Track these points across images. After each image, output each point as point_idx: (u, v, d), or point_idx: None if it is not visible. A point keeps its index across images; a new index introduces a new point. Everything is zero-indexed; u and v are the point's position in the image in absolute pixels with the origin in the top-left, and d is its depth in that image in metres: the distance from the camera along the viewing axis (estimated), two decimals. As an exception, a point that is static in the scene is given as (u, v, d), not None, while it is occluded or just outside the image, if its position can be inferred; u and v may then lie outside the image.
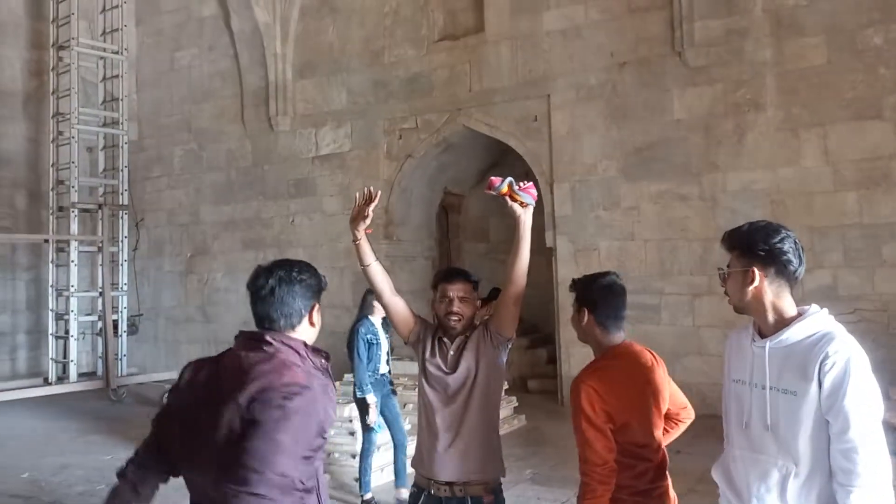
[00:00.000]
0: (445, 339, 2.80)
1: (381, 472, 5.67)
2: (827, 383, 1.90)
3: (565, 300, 8.32)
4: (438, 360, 2.78)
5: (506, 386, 7.75)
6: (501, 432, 7.32)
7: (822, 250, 7.15)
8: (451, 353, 2.78)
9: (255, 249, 10.63)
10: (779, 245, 2.09)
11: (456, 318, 2.75)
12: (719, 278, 2.24)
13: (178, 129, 11.29)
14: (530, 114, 8.72)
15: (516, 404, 7.64)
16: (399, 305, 2.83)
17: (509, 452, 6.50)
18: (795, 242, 2.11)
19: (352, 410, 5.87)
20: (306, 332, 1.97)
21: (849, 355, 1.92)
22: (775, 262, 2.08)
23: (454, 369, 2.77)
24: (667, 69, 7.93)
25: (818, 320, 2.05)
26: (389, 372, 5.58)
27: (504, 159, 10.08)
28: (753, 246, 2.11)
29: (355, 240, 2.73)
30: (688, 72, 7.81)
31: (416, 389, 2.94)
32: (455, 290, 2.78)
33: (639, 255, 8.03)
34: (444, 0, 9.52)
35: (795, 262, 2.10)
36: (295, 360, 1.84)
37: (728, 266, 2.19)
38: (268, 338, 1.87)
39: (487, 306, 10.52)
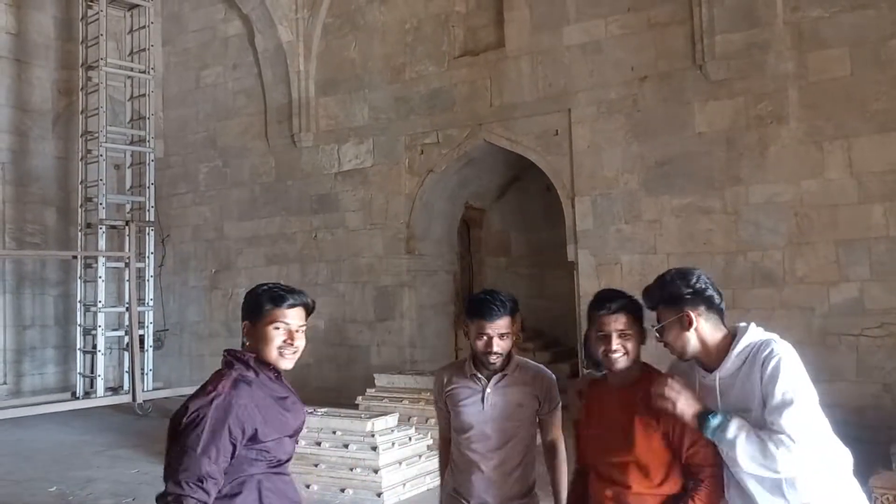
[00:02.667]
0: (480, 377, 2.71)
1: (403, 488, 5.68)
2: (765, 378, 2.07)
3: (586, 314, 8.29)
4: (472, 398, 2.71)
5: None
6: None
7: (848, 263, 7.07)
8: (489, 391, 2.69)
9: (279, 265, 10.73)
10: (698, 284, 2.23)
11: (496, 357, 2.64)
12: (655, 338, 2.34)
13: (204, 147, 11.46)
14: (551, 128, 8.74)
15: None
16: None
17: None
18: (708, 277, 2.28)
19: (374, 425, 5.90)
20: (258, 347, 2.31)
21: (782, 352, 2.10)
22: (702, 300, 2.21)
23: (496, 409, 2.69)
24: (688, 83, 7.91)
25: (751, 334, 2.19)
26: None
27: (525, 174, 10.11)
28: (676, 291, 2.25)
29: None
30: (709, 85, 7.79)
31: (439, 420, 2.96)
32: (495, 328, 2.61)
33: (661, 269, 7.88)
34: (464, 16, 9.60)
35: (717, 294, 2.24)
36: (235, 371, 2.25)
37: (658, 322, 2.30)
38: (224, 352, 2.37)
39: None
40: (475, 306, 2.66)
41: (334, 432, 6.01)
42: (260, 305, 2.25)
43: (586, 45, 8.51)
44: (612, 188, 8.31)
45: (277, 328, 2.21)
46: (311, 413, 6.32)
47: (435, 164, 9.66)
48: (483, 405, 2.69)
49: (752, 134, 7.58)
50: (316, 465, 5.87)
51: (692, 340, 2.21)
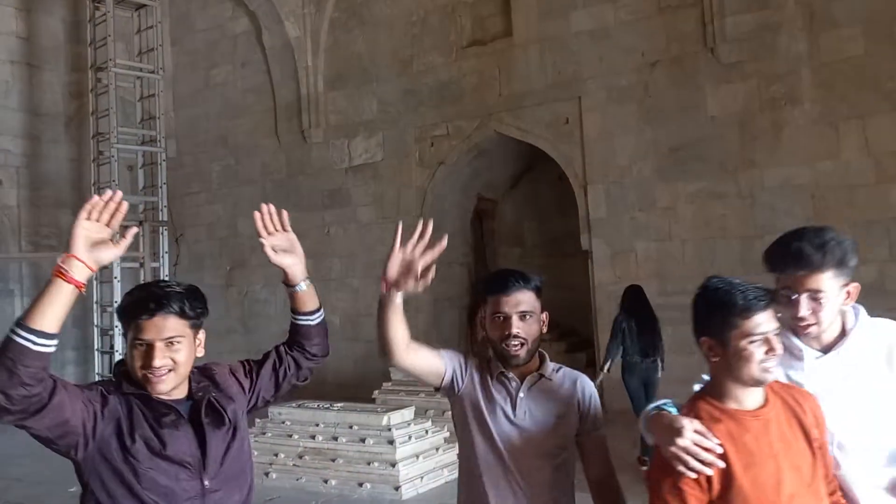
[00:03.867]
0: (511, 376, 2.06)
1: (421, 481, 5.67)
2: None
3: (602, 304, 8.24)
4: (502, 404, 2.05)
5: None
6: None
7: (867, 245, 6.95)
8: (522, 395, 2.05)
9: (292, 261, 10.73)
10: (852, 251, 1.86)
11: (518, 344, 2.01)
12: (801, 306, 1.82)
13: (215, 145, 11.48)
14: (561, 117, 8.68)
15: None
16: (420, 358, 2.09)
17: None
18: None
19: (390, 419, 5.89)
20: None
21: None
22: (852, 270, 1.87)
23: (532, 420, 2.04)
24: (699, 66, 7.82)
25: (863, 316, 1.93)
26: None
27: (537, 163, 10.05)
28: (844, 256, 1.82)
29: (386, 299, 1.99)
30: (721, 68, 7.69)
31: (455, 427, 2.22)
32: (513, 303, 2.02)
33: (677, 256, 7.92)
34: (471, 6, 9.53)
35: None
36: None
37: (817, 289, 1.81)
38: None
39: None
40: (488, 280, 2.19)
41: (351, 427, 6.01)
42: (122, 318, 1.82)
43: (595, 32, 8.42)
44: (625, 176, 8.24)
45: (138, 346, 1.75)
46: (327, 408, 6.34)
47: (445, 156, 9.62)
48: (514, 412, 2.04)
49: (765, 116, 7.48)
50: (333, 461, 5.87)
51: (834, 316, 1.85)
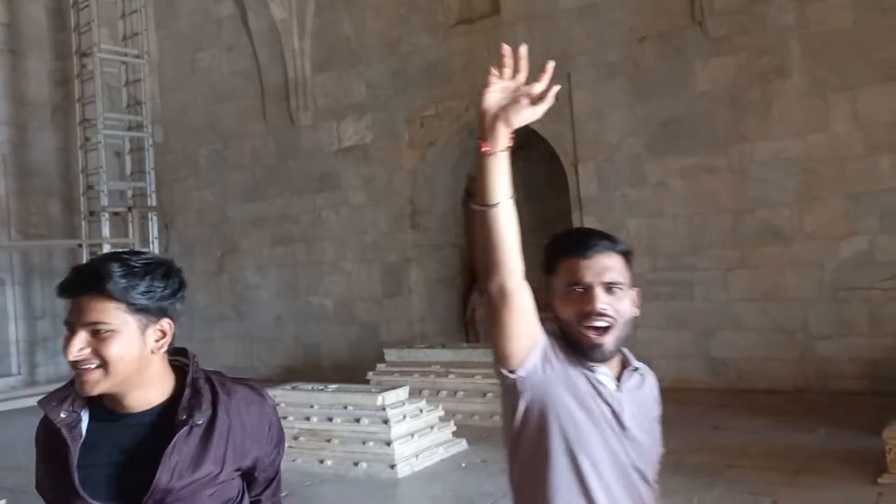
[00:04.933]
0: (603, 370, 1.53)
1: (416, 459, 5.69)
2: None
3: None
4: (599, 409, 1.50)
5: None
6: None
7: (857, 216, 6.98)
8: (623, 395, 1.54)
9: (284, 245, 10.72)
10: None
11: (604, 327, 1.49)
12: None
13: (203, 130, 11.39)
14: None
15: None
16: (527, 302, 1.46)
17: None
18: None
19: (384, 399, 5.89)
20: None
21: None
22: None
23: (636, 427, 1.54)
24: (688, 41, 7.78)
25: None
26: None
27: (527, 142, 10.00)
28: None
29: (489, 150, 1.41)
30: (710, 42, 7.66)
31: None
32: (597, 269, 1.51)
33: (669, 232, 7.92)
34: (459, -15, 9.45)
35: None
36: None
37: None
38: None
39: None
40: (563, 240, 1.62)
41: (346, 407, 6.01)
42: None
43: (583, 8, 8.37)
44: (616, 152, 8.22)
45: (67, 330, 1.41)
46: (321, 390, 6.35)
47: (435, 137, 9.58)
48: (620, 421, 1.52)
49: (755, 90, 7.47)
50: (329, 441, 5.88)
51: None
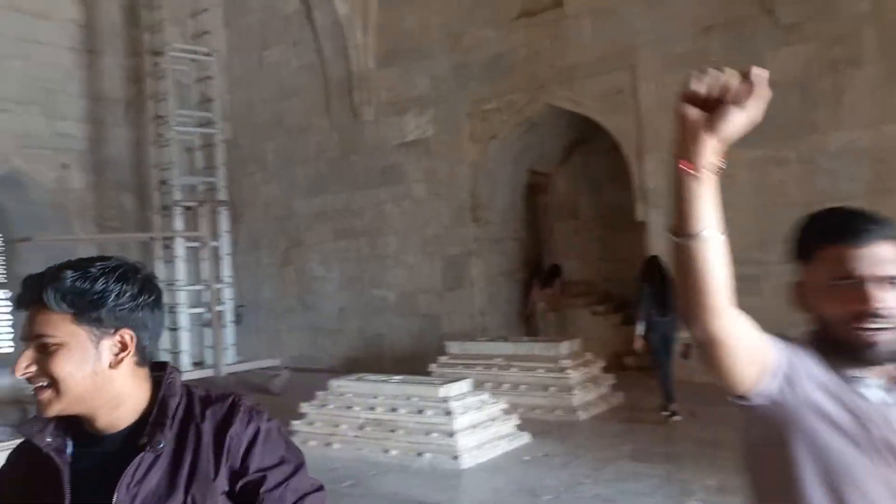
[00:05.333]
0: (871, 381, 1.27)
1: (479, 450, 5.74)
2: None
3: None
4: (872, 428, 1.22)
5: (602, 363, 7.70)
6: (599, 410, 7.28)
7: (937, 210, 6.72)
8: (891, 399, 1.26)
9: (347, 239, 10.90)
10: None
11: (882, 328, 1.23)
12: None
13: (270, 126, 11.65)
14: (615, 87, 8.55)
15: (614, 382, 7.57)
16: (742, 334, 1.22)
17: (608, 429, 6.48)
18: None
19: (447, 391, 5.97)
20: None
21: None
22: None
23: None
24: (757, 30, 7.60)
25: None
26: None
27: (590, 135, 9.94)
28: None
29: (693, 170, 1.16)
30: (779, 31, 7.46)
31: None
32: (871, 260, 1.24)
33: (736, 225, 7.72)
34: (521, -23, 9.42)
35: None
36: None
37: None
38: None
39: (549, 288, 10.47)
40: (825, 223, 1.33)
41: (409, 398, 6.12)
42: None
43: (648, -1, 8.26)
44: (681, 144, 8.08)
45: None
46: (385, 381, 6.47)
47: (497, 130, 9.59)
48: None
49: (826, 80, 7.25)
50: (393, 431, 5.99)
51: None
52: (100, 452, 1.28)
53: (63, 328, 1.22)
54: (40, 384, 1.22)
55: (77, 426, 1.29)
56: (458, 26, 9.81)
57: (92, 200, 10.94)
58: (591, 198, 11.03)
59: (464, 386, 6.21)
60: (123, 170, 11.25)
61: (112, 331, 1.25)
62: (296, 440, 6.36)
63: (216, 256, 10.07)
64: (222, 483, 1.27)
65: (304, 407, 6.61)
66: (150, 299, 1.30)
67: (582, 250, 10.87)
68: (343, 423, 6.31)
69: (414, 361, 8.93)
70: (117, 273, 1.26)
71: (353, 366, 10.02)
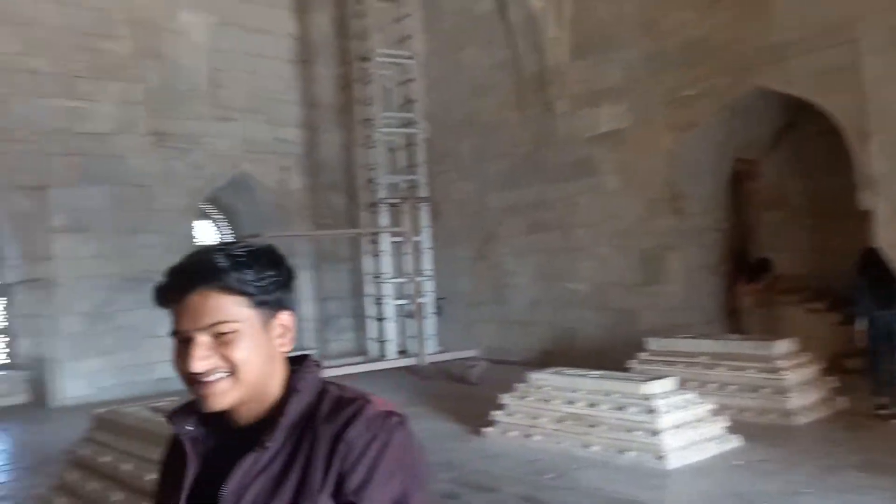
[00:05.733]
0: None
1: (686, 451, 5.56)
2: None
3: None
4: None
5: (822, 365, 7.16)
6: (819, 415, 6.79)
7: None
8: None
9: (540, 233, 10.97)
10: None
11: None
12: None
13: (464, 124, 11.98)
14: (833, 64, 7.85)
15: (836, 385, 7.01)
16: None
17: (831, 436, 6.02)
18: None
19: (650, 388, 5.85)
20: None
21: None
22: None
23: None
24: None
25: None
26: None
27: (801, 118, 9.23)
28: None
29: None
30: None
31: None
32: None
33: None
34: (722, -45, 8.93)
35: None
36: None
37: None
38: None
39: (757, 282, 9.85)
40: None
41: (609, 394, 6.06)
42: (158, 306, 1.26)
43: (873, -35, 7.49)
44: (914, 125, 7.27)
45: (177, 342, 1.22)
46: (584, 375, 6.45)
47: (697, 118, 9.18)
48: None
49: None
50: (593, 426, 5.96)
51: None
52: (228, 446, 1.22)
53: (240, 312, 1.18)
54: (218, 376, 1.17)
55: (216, 418, 1.24)
56: (654, 12, 9.49)
57: (308, 200, 11.92)
58: (802, 185, 10.22)
59: (667, 384, 6.04)
60: (334, 171, 12.13)
61: (273, 313, 1.23)
62: (496, 430, 6.56)
63: (418, 250, 10.56)
64: (326, 499, 1.14)
65: (504, 398, 6.76)
66: (294, 281, 1.29)
67: (791, 241, 10.12)
68: (542, 415, 6.38)
69: (606, 356, 8.81)
70: (268, 255, 1.24)
71: (544, 359, 10.08)
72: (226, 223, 12.78)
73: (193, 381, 1.18)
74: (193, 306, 1.18)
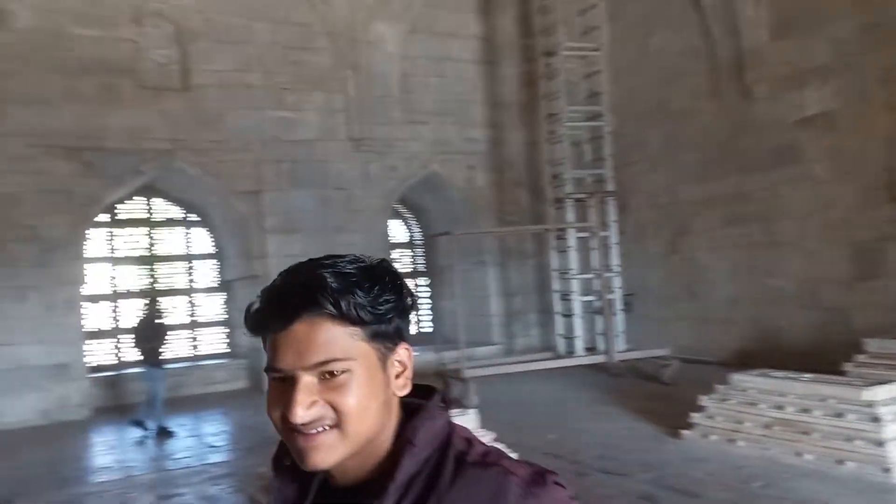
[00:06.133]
0: None
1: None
2: None
3: None
4: None
5: None
6: None
7: None
8: None
9: (737, 225, 10.37)
10: None
11: None
12: None
13: (653, 113, 11.61)
14: None
15: None
16: None
17: None
18: None
19: (874, 394, 5.35)
20: None
21: None
22: None
23: None
24: None
25: None
26: None
27: None
28: None
29: None
30: None
31: None
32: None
33: None
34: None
35: None
36: None
37: None
38: None
39: None
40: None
41: (824, 400, 5.62)
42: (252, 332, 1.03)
43: None
44: None
45: (273, 380, 0.99)
46: (794, 378, 6.03)
47: (924, 94, 8.24)
48: None
49: None
50: (806, 433, 5.56)
51: None
52: None
53: (354, 347, 0.95)
54: (321, 427, 0.94)
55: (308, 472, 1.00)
56: (869, -22, 8.64)
57: (494, 197, 12.13)
58: None
59: (893, 389, 5.50)
60: (519, 168, 12.25)
61: (392, 347, 0.99)
62: (695, 433, 6.31)
63: (605, 246, 10.38)
64: None
65: (704, 400, 6.48)
66: (415, 307, 1.04)
67: None
68: (747, 420, 6.05)
69: (815, 358, 8.14)
70: (391, 272, 1.01)
71: (744, 359, 9.53)
72: (415, 221, 13.32)
73: (292, 431, 0.94)
74: (298, 338, 0.94)
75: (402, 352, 1.01)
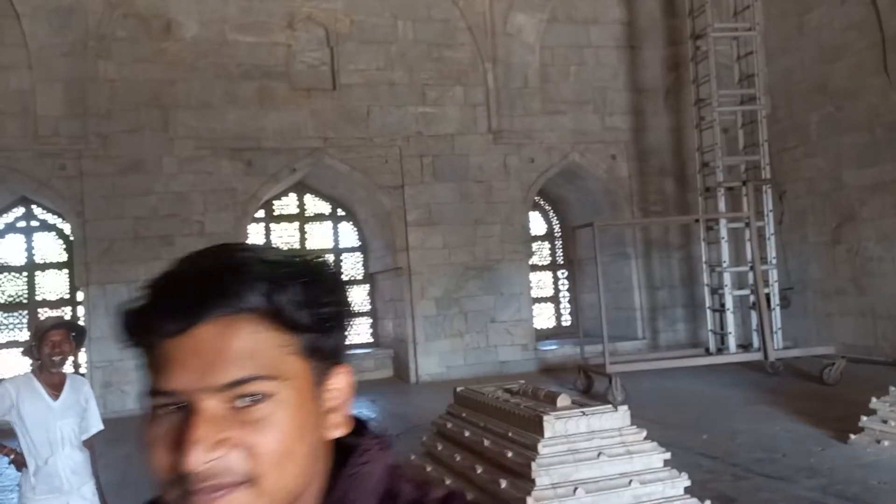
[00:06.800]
0: None
1: None
2: None
3: None
4: None
5: None
6: None
7: None
8: None
9: (915, 214, 9.49)
10: None
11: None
12: None
13: (811, 94, 10.83)
14: None
15: None
16: None
17: None
18: None
19: None
20: None
21: None
22: None
23: None
24: None
25: None
26: None
27: None
28: None
29: None
30: None
31: None
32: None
33: None
34: None
35: None
36: None
37: None
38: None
39: None
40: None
41: None
42: (127, 337, 0.74)
43: None
44: None
45: (159, 411, 0.69)
46: None
47: None
48: None
49: None
50: None
51: None
52: None
53: (285, 365, 0.67)
54: (229, 480, 0.63)
55: None
56: None
57: (636, 186, 11.75)
58: None
59: None
60: (663, 156, 11.80)
61: (327, 367, 0.72)
62: (864, 438, 5.82)
63: (760, 236, 9.79)
64: None
65: (875, 403, 5.98)
66: (352, 318, 0.77)
67: None
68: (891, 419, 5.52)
69: None
70: (332, 270, 0.74)
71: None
72: (555, 213, 13.16)
73: (184, 491, 0.63)
74: (202, 346, 0.65)
75: (341, 378, 0.73)
